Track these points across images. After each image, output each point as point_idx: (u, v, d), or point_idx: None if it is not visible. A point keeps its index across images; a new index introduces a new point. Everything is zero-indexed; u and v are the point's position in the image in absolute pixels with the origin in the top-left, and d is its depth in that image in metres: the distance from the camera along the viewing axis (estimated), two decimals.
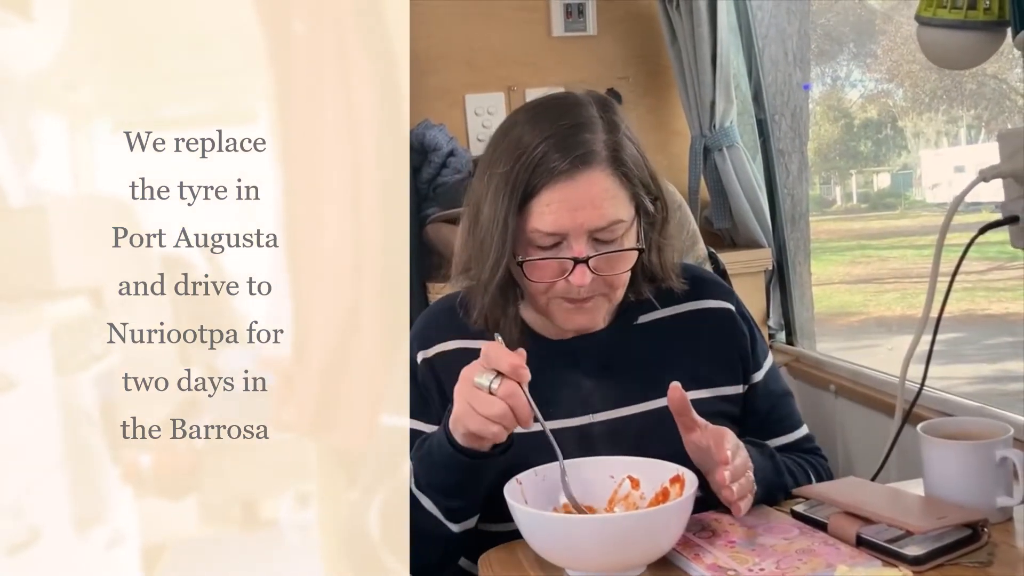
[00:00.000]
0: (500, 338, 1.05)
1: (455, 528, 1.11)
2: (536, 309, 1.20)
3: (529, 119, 1.13)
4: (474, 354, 1.19)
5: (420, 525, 1.11)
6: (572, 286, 1.11)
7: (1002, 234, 1.10)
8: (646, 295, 1.22)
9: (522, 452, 1.07)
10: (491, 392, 0.99)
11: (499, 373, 1.00)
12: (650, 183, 1.15)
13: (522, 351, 1.02)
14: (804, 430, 1.29)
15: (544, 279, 1.12)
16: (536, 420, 1.02)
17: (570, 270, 1.10)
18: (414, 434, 1.21)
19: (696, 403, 1.19)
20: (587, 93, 1.16)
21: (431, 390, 1.22)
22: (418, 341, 1.26)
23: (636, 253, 1.14)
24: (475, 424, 1.01)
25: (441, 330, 1.25)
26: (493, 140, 1.16)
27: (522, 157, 1.09)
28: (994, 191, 1.13)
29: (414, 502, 1.10)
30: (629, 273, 1.16)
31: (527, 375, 1.00)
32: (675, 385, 1.05)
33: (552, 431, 1.08)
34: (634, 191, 1.12)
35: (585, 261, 1.09)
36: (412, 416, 1.23)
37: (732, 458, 1.00)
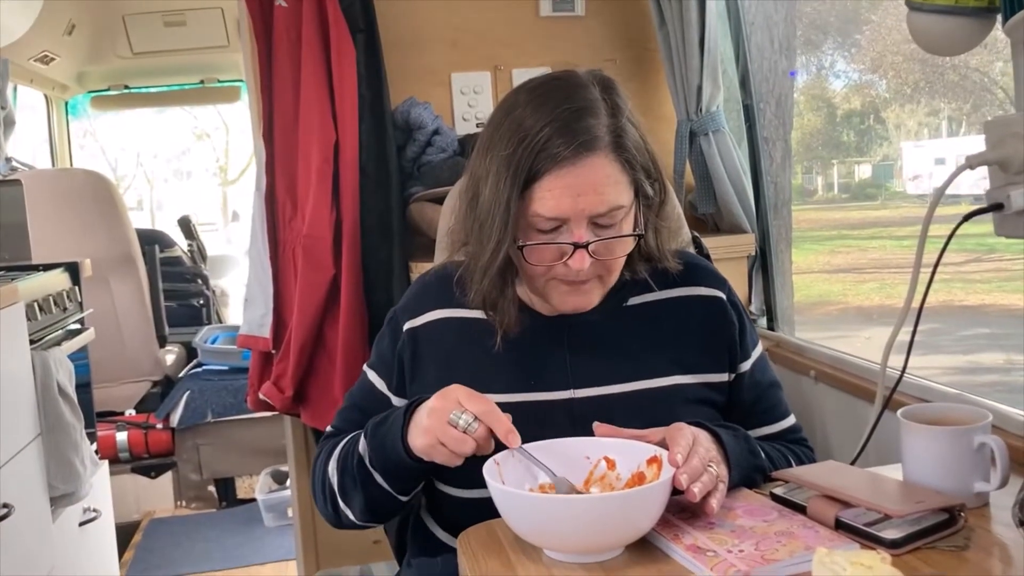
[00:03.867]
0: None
1: (405, 499, 1.18)
2: (532, 290, 1.21)
3: (531, 100, 1.12)
4: (463, 322, 1.23)
5: (371, 492, 1.16)
6: (571, 269, 1.12)
7: (980, 226, 1.10)
8: (642, 275, 1.23)
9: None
10: (466, 432, 1.04)
11: (476, 417, 1.04)
12: (650, 167, 1.16)
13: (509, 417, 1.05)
14: (791, 420, 1.30)
15: (543, 262, 1.14)
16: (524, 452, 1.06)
17: (569, 254, 1.11)
18: (378, 393, 1.27)
19: (680, 388, 1.21)
20: (589, 73, 1.16)
21: (404, 360, 1.25)
22: (411, 308, 1.28)
23: (635, 238, 1.16)
24: (442, 457, 1.07)
25: (433, 299, 1.27)
26: (494, 120, 1.16)
27: (525, 141, 1.09)
28: (972, 183, 1.13)
29: (368, 476, 1.15)
30: (625, 256, 1.18)
31: (518, 440, 1.04)
32: (598, 425, 1.10)
33: (536, 403, 1.16)
34: (635, 176, 1.13)
35: (585, 246, 1.10)
36: (380, 375, 1.28)
37: (688, 458, 1.00)
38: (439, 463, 1.08)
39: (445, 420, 1.04)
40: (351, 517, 1.21)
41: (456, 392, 1.06)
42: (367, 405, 1.26)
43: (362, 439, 1.16)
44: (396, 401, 1.26)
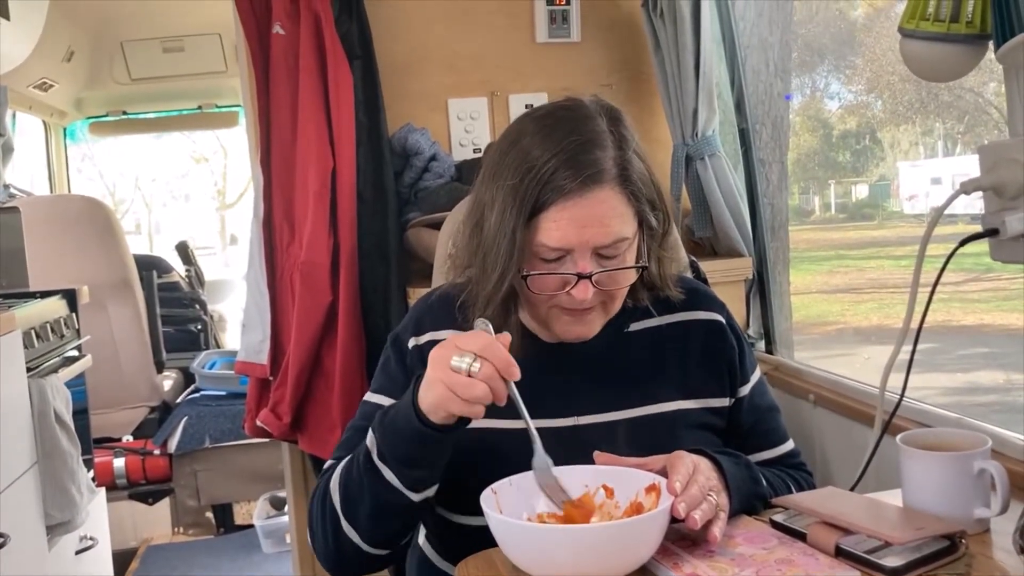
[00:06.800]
0: (489, 326, 1.06)
1: (416, 498, 1.10)
2: (533, 317, 1.21)
3: (538, 130, 1.13)
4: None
5: (381, 497, 1.10)
6: (574, 299, 1.12)
7: (978, 246, 1.10)
8: (644, 303, 1.24)
9: (502, 448, 1.07)
10: (470, 375, 1.00)
11: (476, 355, 1.00)
12: (655, 198, 1.16)
13: (507, 335, 1.03)
14: (789, 445, 1.30)
15: (546, 291, 1.14)
16: (514, 404, 1.04)
17: (573, 284, 1.11)
18: None
19: (682, 414, 1.20)
20: (595, 102, 1.16)
21: (416, 375, 1.22)
22: (412, 327, 1.27)
23: (638, 269, 1.16)
24: (457, 407, 1.01)
25: (435, 320, 1.26)
26: (500, 149, 1.16)
27: (531, 171, 1.09)
28: (967, 203, 1.13)
29: (375, 473, 1.09)
30: (628, 286, 1.18)
31: (517, 373, 1.01)
32: (599, 454, 1.08)
33: (537, 430, 1.09)
34: (639, 207, 1.14)
35: (588, 277, 1.11)
36: (393, 396, 1.23)
37: (687, 486, 1.00)
38: (456, 413, 1.02)
39: (448, 366, 1.01)
40: (356, 540, 1.13)
41: (453, 339, 1.03)
42: None
43: (369, 434, 1.12)
44: None
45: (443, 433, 1.05)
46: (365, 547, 1.14)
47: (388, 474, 1.09)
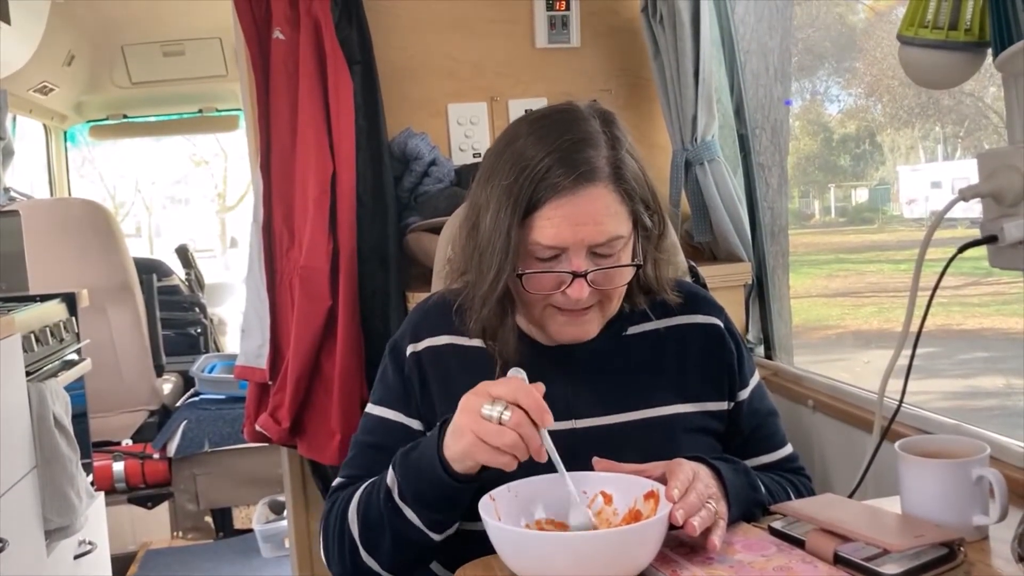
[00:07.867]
0: (523, 373, 1.07)
1: (436, 538, 1.11)
2: (529, 319, 1.21)
3: (532, 132, 1.13)
4: (463, 350, 1.23)
5: (400, 532, 1.11)
6: (569, 298, 1.12)
7: (978, 250, 1.11)
8: (641, 306, 1.24)
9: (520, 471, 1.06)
10: (500, 423, 0.99)
11: (507, 404, 1.00)
12: (649, 199, 1.17)
13: (541, 386, 1.03)
14: (788, 449, 1.30)
15: (542, 290, 1.14)
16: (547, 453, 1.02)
17: (568, 283, 1.12)
18: (394, 425, 1.23)
19: (680, 417, 1.20)
20: (588, 106, 1.18)
21: (414, 383, 1.24)
22: (410, 334, 1.27)
23: (633, 268, 1.16)
24: (485, 456, 1.01)
25: (433, 325, 1.27)
26: (495, 151, 1.17)
27: (525, 170, 1.10)
28: (967, 207, 1.14)
29: (396, 512, 1.10)
30: (625, 286, 1.18)
31: (551, 420, 1.00)
32: (598, 460, 1.08)
33: None
34: (633, 207, 1.14)
35: (584, 275, 1.11)
36: (392, 407, 1.24)
37: (686, 494, 1.00)
38: (484, 463, 1.01)
39: (478, 414, 1.00)
40: (375, 568, 1.14)
41: (485, 386, 1.03)
42: (386, 442, 1.20)
43: (389, 471, 1.11)
44: (418, 427, 1.22)
45: (466, 484, 1.06)
46: (385, 574, 1.15)
47: (409, 514, 1.10)
